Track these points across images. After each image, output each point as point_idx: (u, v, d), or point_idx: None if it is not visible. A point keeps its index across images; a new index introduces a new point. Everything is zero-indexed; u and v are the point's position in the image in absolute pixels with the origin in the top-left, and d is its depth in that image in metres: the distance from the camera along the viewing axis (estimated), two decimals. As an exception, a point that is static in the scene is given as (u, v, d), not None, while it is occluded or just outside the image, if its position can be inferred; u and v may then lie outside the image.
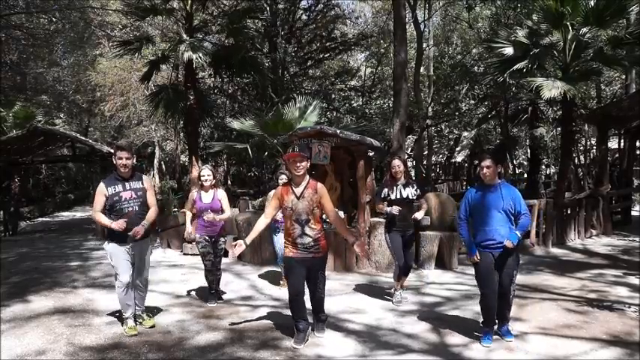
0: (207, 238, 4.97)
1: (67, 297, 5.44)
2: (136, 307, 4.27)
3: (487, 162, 3.79)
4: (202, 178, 4.96)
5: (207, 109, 12.12)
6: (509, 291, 3.81)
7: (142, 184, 4.13)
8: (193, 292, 5.59)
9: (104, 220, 3.97)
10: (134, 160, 4.11)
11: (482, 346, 3.78)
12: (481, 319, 3.96)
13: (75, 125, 23.00)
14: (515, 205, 3.75)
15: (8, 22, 15.68)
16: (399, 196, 4.85)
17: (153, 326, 4.28)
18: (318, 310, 4.06)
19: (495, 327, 3.92)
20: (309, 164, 3.88)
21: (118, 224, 3.88)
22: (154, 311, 4.69)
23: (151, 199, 4.19)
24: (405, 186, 4.90)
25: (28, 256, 8.42)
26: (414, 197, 4.93)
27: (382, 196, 4.95)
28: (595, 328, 4.15)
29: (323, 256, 3.92)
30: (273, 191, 4.68)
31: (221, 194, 5.00)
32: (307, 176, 3.84)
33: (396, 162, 4.95)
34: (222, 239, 5.12)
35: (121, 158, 3.98)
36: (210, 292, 5.16)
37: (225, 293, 5.45)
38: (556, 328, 4.16)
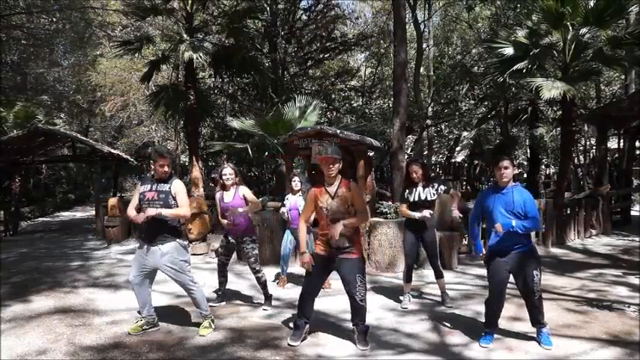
0: (227, 237, 4.90)
1: (68, 297, 5.44)
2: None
3: (505, 162, 3.70)
4: (224, 177, 4.81)
5: (207, 109, 12.12)
6: (533, 292, 3.70)
7: (169, 187, 4.02)
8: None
9: (128, 211, 4.08)
10: (170, 167, 4.09)
11: (480, 346, 3.78)
12: (482, 319, 3.97)
13: (75, 125, 22.98)
14: (525, 208, 3.65)
15: (8, 22, 15.68)
16: (417, 199, 4.80)
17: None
18: (357, 319, 3.88)
19: (494, 329, 3.89)
20: (341, 164, 3.84)
21: (137, 216, 3.94)
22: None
23: (182, 200, 4.04)
24: (424, 187, 4.82)
25: (28, 256, 8.43)
26: (434, 197, 4.84)
27: (404, 197, 4.89)
28: (595, 328, 4.16)
29: (357, 258, 3.79)
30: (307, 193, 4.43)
31: (242, 190, 4.85)
32: (340, 175, 3.81)
33: (414, 167, 4.83)
34: (248, 239, 4.82)
35: (162, 166, 3.98)
36: (218, 293, 5.16)
37: (271, 296, 5.05)
38: (556, 328, 4.16)
